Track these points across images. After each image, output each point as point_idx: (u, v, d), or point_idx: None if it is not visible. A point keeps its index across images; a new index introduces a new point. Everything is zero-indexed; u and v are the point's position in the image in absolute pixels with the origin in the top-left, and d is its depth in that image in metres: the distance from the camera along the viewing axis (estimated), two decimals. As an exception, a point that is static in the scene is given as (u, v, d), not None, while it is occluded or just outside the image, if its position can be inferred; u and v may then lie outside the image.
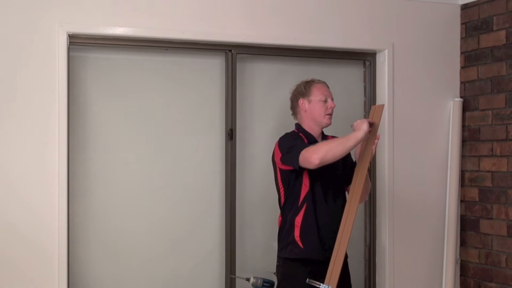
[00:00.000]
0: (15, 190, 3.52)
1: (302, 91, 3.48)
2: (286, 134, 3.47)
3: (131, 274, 3.89)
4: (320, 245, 3.32)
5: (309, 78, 3.55)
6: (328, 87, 3.49)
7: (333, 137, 3.48)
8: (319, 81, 3.49)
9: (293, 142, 3.33)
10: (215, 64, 4.03)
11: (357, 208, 3.21)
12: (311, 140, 3.39)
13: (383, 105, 3.33)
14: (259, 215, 4.13)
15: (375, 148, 3.27)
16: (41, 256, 3.55)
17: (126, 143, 3.89)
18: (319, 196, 3.35)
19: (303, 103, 3.45)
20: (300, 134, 3.44)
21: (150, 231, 3.92)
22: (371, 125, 3.19)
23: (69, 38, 3.61)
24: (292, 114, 3.57)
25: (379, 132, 3.28)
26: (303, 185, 3.36)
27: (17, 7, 3.52)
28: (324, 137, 3.49)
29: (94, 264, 3.82)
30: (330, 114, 3.42)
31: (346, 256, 3.44)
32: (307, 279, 3.15)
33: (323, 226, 3.33)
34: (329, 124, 3.45)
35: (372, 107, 3.41)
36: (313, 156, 3.13)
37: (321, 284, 3.10)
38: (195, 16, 3.84)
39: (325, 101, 3.41)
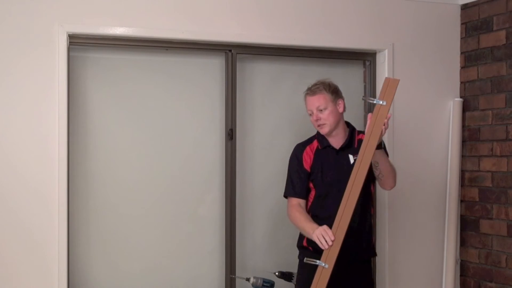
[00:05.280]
0: (15, 190, 3.52)
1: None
2: (296, 146, 3.51)
3: (130, 274, 3.89)
4: None
5: (309, 85, 3.47)
6: (315, 94, 3.37)
7: (363, 132, 3.39)
8: (308, 93, 3.42)
9: (289, 167, 3.48)
10: (215, 64, 4.03)
11: (361, 188, 3.05)
12: (324, 145, 3.41)
13: (398, 80, 3.15)
14: (259, 215, 4.13)
15: (386, 128, 3.12)
16: (41, 256, 3.55)
17: (126, 143, 3.89)
18: (325, 205, 3.33)
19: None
20: (316, 139, 3.46)
21: (150, 231, 3.93)
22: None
23: (69, 38, 3.61)
24: None
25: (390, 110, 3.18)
26: (309, 196, 3.43)
27: (17, 7, 3.52)
28: (353, 136, 3.43)
29: (94, 264, 3.82)
30: (321, 125, 3.36)
31: (369, 261, 3.48)
32: (305, 259, 3.13)
33: (329, 224, 3.21)
34: (326, 133, 3.38)
35: (386, 79, 3.21)
36: (288, 215, 3.42)
37: (317, 261, 3.07)
38: (195, 16, 3.84)
39: (312, 114, 3.39)
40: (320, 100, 3.35)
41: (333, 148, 3.41)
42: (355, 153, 3.34)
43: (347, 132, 3.44)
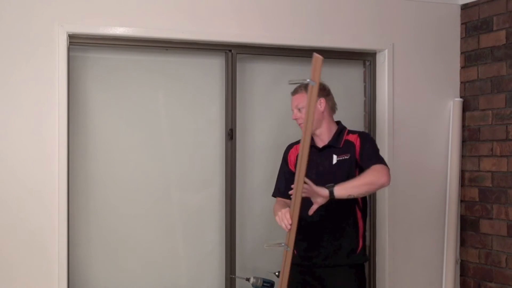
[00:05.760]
0: (15, 190, 3.52)
1: None
2: (286, 146, 3.53)
3: (131, 274, 3.89)
4: (301, 248, 3.29)
5: None
6: (295, 93, 3.36)
7: (353, 132, 3.38)
8: (291, 92, 3.41)
9: (279, 167, 3.52)
10: (215, 64, 4.03)
11: (305, 169, 2.94)
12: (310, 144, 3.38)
13: (321, 58, 2.83)
14: (259, 215, 4.13)
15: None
16: (41, 256, 3.55)
17: (126, 143, 3.89)
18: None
19: None
20: None
21: (150, 231, 3.93)
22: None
23: (69, 38, 3.61)
24: None
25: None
26: None
27: (17, 7, 3.51)
28: (340, 136, 3.35)
29: (94, 264, 3.82)
30: (301, 123, 3.31)
31: (359, 265, 3.39)
32: (265, 245, 3.23)
33: (304, 228, 3.21)
34: None
35: (313, 55, 2.86)
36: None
37: (282, 243, 3.11)
38: (195, 16, 3.84)
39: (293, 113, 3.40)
40: (298, 99, 3.35)
41: (316, 147, 3.36)
42: (340, 153, 3.31)
43: (333, 132, 3.37)
